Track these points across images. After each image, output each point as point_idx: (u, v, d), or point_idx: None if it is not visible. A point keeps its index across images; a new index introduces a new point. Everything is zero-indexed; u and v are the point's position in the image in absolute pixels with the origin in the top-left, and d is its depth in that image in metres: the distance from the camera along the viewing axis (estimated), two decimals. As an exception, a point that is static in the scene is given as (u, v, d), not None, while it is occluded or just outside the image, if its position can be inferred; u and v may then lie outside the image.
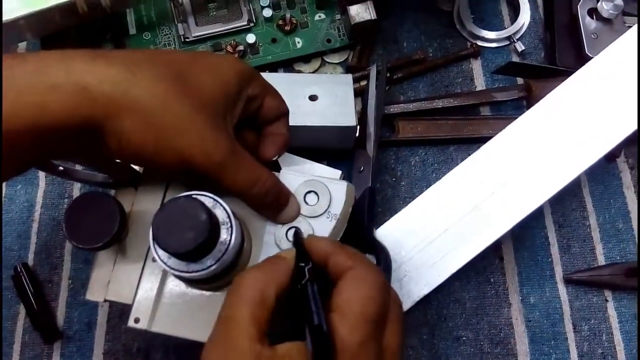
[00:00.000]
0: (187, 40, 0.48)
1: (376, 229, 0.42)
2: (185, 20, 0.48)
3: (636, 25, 0.43)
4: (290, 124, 0.42)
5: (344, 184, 0.34)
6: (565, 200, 0.46)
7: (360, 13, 0.47)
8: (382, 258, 0.39)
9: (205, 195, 0.29)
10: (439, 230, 0.41)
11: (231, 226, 0.29)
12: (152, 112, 0.27)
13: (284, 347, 0.26)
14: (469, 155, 0.42)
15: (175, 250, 0.26)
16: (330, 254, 0.29)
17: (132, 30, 0.48)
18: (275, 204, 0.32)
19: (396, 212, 0.42)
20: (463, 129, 0.48)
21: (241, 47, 0.48)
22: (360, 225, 0.40)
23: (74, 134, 0.26)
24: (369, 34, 0.49)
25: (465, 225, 0.41)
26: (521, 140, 0.42)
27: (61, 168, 0.40)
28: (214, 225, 0.27)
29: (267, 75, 0.45)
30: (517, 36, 0.51)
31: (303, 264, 0.28)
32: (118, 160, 0.32)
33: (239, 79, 0.31)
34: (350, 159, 0.46)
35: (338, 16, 0.49)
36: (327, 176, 0.36)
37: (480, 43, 0.51)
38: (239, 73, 0.31)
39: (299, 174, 0.35)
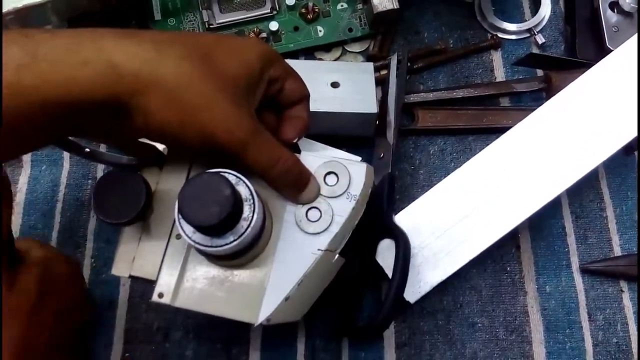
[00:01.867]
0: (211, 26, 0.49)
1: (395, 215, 0.42)
2: (210, 7, 0.49)
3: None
4: (311, 109, 0.43)
5: (363, 165, 0.35)
6: (583, 192, 0.46)
7: (383, 2, 0.47)
8: (401, 243, 0.39)
9: (229, 173, 0.30)
10: (456, 218, 0.42)
11: (253, 203, 0.29)
12: (177, 90, 0.28)
13: None
14: (488, 145, 0.42)
15: (200, 224, 0.27)
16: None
17: (157, 16, 0.49)
18: (295, 184, 0.33)
19: (414, 200, 0.42)
20: (482, 119, 0.48)
21: (264, 35, 0.48)
22: (380, 210, 0.41)
23: (102, 108, 0.27)
24: (391, 24, 0.49)
25: (482, 214, 0.41)
26: (540, 131, 0.43)
27: (87, 150, 0.41)
28: (237, 200, 0.28)
29: (289, 62, 0.46)
30: (538, 29, 0.51)
31: None
32: (144, 140, 0.33)
33: (261, 61, 0.32)
34: (370, 146, 0.46)
35: (360, 6, 0.50)
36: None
37: (500, 35, 0.51)
38: (262, 55, 0.32)
39: (319, 156, 0.35)
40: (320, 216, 0.33)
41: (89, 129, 0.30)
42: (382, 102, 0.46)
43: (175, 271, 0.33)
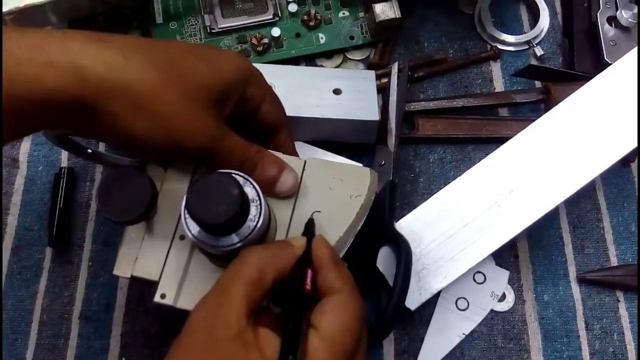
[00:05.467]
0: (213, 31, 0.49)
1: (396, 222, 0.42)
2: (212, 12, 0.49)
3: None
4: (313, 115, 0.43)
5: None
6: (580, 202, 0.46)
7: (385, 11, 0.47)
8: (402, 249, 0.40)
9: (236, 174, 0.30)
10: (457, 226, 0.42)
11: (260, 204, 0.29)
12: (142, 97, 0.29)
13: (264, 332, 0.27)
14: (487, 154, 0.43)
15: (207, 222, 0.27)
16: (324, 266, 0.30)
17: (159, 19, 0.49)
18: (267, 178, 0.33)
19: (414, 208, 0.42)
20: (481, 129, 0.48)
21: (266, 41, 0.49)
22: (381, 217, 0.41)
23: (70, 108, 0.28)
24: (392, 32, 0.50)
25: (483, 222, 0.42)
26: (539, 142, 0.43)
27: (90, 151, 0.41)
28: (245, 200, 0.28)
29: (291, 68, 0.46)
30: (536, 41, 0.51)
31: (304, 264, 0.29)
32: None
33: (236, 73, 0.33)
34: (370, 154, 0.46)
35: (362, 14, 0.50)
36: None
37: (499, 46, 0.51)
38: (238, 69, 0.33)
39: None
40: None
41: (62, 125, 0.30)
42: (383, 110, 0.47)
43: (179, 272, 0.33)
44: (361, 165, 0.39)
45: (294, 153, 0.38)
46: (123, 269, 0.33)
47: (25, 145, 0.48)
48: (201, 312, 0.28)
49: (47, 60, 0.27)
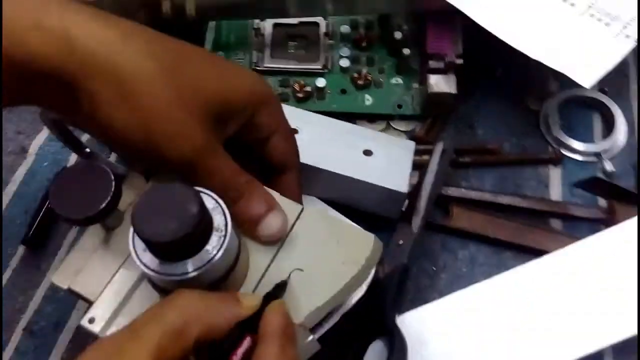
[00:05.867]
0: (257, 68, 0.46)
1: (399, 314, 0.35)
2: (262, 50, 0.47)
3: None
4: (335, 170, 0.39)
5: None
6: (631, 352, 0.38)
7: (439, 84, 0.43)
8: (397, 349, 0.33)
9: (208, 195, 0.25)
10: (471, 337, 0.34)
11: (225, 236, 0.24)
12: (129, 86, 0.25)
13: None
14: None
15: (149, 238, 0.22)
16: (269, 339, 0.23)
17: (208, 47, 0.47)
18: (250, 215, 0.28)
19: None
20: (526, 237, 0.41)
21: (308, 89, 0.45)
22: (381, 304, 0.35)
23: (48, 81, 0.25)
24: (444, 109, 0.45)
25: (503, 342, 0.34)
26: (592, 263, 0.36)
27: (88, 150, 0.38)
28: (204, 224, 0.23)
29: (323, 117, 0.42)
30: (607, 155, 0.45)
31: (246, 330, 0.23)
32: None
33: (248, 94, 0.30)
34: (390, 231, 0.40)
35: (416, 85, 0.46)
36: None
37: (564, 151, 0.46)
38: (252, 89, 0.30)
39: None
40: None
41: (43, 101, 0.27)
42: (416, 187, 0.41)
43: (118, 299, 0.27)
44: (373, 235, 0.34)
45: (297, 202, 0.33)
46: (62, 278, 0.29)
47: (40, 138, 0.46)
48: (97, 353, 0.22)
49: (38, 23, 0.25)
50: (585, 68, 0.41)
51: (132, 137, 0.26)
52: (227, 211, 0.25)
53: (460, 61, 0.44)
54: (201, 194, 0.25)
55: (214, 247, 0.24)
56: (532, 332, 0.34)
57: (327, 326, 0.30)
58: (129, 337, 0.22)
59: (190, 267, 0.24)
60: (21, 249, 0.41)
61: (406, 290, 0.37)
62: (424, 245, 0.42)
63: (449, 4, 0.42)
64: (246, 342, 0.23)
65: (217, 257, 0.24)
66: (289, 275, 0.28)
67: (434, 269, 0.41)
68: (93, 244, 0.29)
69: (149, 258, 0.24)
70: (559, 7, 0.43)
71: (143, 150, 0.27)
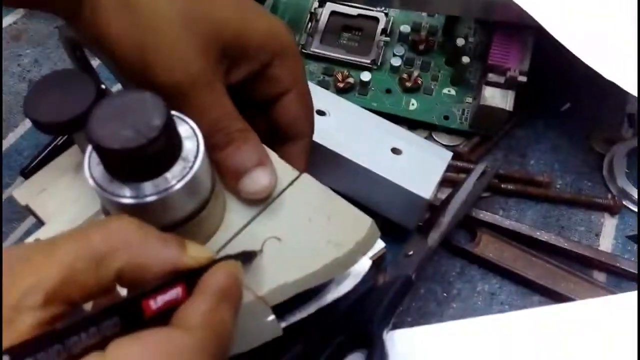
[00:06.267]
0: (303, 51, 0.44)
1: (388, 330, 0.30)
2: (312, 35, 0.44)
3: None
4: (356, 161, 0.35)
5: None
6: None
7: (494, 97, 0.39)
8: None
9: (185, 121, 0.22)
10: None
11: (191, 167, 0.21)
12: None
13: None
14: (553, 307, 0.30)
15: (99, 142, 0.19)
16: (201, 294, 0.19)
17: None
18: (236, 166, 0.25)
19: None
20: (560, 283, 0.36)
21: (351, 80, 0.42)
22: (371, 312, 0.30)
23: None
24: (494, 129, 0.41)
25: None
26: (626, 322, 0.30)
27: (103, 87, 0.36)
28: (167, 145, 0.20)
29: (358, 108, 0.38)
30: (677, 216, 0.39)
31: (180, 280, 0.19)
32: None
33: (267, 38, 0.27)
34: (402, 240, 0.36)
35: (469, 99, 0.42)
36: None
37: (624, 201, 0.40)
38: (273, 35, 0.27)
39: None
40: None
41: (48, 4, 0.26)
42: (443, 203, 0.36)
43: (71, 226, 0.25)
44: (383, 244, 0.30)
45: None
46: (24, 194, 0.26)
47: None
48: (6, 256, 0.18)
49: None
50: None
51: (127, 50, 0.24)
52: (201, 143, 0.22)
53: (523, 79, 0.39)
54: (177, 118, 0.22)
55: (175, 176, 0.21)
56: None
57: (299, 315, 0.26)
58: (43, 250, 0.18)
59: (142, 191, 0.20)
60: (19, 180, 0.40)
61: (403, 304, 0.32)
62: (440, 266, 0.37)
63: (523, 16, 0.38)
64: (174, 291, 0.19)
65: (174, 188, 0.21)
66: (262, 244, 0.24)
67: (445, 295, 0.36)
68: (66, 166, 0.27)
69: (100, 172, 0.21)
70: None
71: (136, 66, 0.24)
